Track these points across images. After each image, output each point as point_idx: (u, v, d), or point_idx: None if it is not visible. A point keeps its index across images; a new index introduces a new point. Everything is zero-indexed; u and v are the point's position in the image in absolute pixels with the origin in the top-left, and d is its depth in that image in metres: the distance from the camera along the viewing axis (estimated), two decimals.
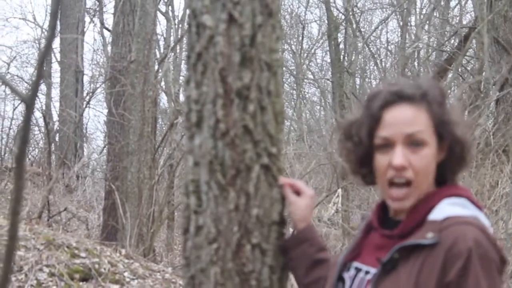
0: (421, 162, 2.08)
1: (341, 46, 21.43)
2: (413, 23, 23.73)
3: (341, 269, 2.24)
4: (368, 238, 2.27)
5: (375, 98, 2.17)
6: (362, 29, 26.26)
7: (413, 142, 2.08)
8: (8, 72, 24.27)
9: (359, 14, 25.18)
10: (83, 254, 7.10)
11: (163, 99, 21.07)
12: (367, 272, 2.15)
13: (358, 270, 2.19)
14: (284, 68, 25.29)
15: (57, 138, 22.22)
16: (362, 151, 2.22)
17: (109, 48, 18.21)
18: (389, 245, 2.09)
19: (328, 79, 25.75)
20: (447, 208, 2.05)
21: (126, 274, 7.14)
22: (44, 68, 23.53)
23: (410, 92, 2.13)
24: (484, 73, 13.19)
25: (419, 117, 2.10)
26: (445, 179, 2.19)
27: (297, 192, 2.49)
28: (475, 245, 1.90)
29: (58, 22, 22.05)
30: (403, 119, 2.10)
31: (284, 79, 26.18)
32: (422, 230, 2.01)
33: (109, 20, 24.98)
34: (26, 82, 23.07)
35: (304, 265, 2.43)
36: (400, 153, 2.08)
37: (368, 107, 2.19)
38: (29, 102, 1.89)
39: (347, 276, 2.21)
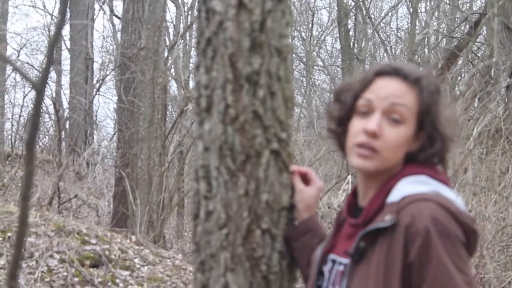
0: (394, 138, 2.07)
1: (351, 33, 21.41)
2: (423, 10, 23.68)
3: (320, 263, 2.24)
4: (342, 229, 2.26)
5: (373, 68, 2.20)
6: (372, 16, 26.20)
7: (393, 116, 2.08)
8: (18, 59, 24.32)
9: (369, 0, 25.10)
10: (93, 241, 7.14)
11: (173, 86, 21.11)
12: (340, 264, 2.15)
13: (334, 262, 2.19)
14: (294, 55, 25.30)
15: (67, 125, 22.31)
16: (343, 111, 2.22)
17: (118, 35, 18.22)
18: (355, 234, 2.09)
19: (338, 66, 25.77)
20: (404, 188, 2.04)
21: (136, 260, 7.18)
22: (54, 55, 23.59)
23: (407, 71, 2.13)
24: (494, 59, 13.14)
25: (407, 94, 2.10)
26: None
27: (306, 181, 2.48)
28: (432, 222, 1.89)
29: (68, 9, 22.08)
30: (391, 89, 2.11)
31: (294, 66, 26.19)
32: (382, 214, 2.01)
33: (118, 7, 24.95)
34: (36, 69, 23.11)
35: (306, 256, 2.40)
36: (377, 120, 2.08)
37: (364, 74, 2.22)
38: (39, 87, 1.90)
39: (326, 269, 2.22)
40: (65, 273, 6.37)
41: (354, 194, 2.27)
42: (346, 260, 2.10)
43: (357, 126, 2.12)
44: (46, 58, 2.20)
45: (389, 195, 2.06)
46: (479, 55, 17.84)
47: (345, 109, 2.21)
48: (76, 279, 6.34)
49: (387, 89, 2.12)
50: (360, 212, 2.15)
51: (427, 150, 2.13)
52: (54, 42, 2.07)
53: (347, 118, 2.20)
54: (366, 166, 2.11)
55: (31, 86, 1.91)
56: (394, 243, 1.93)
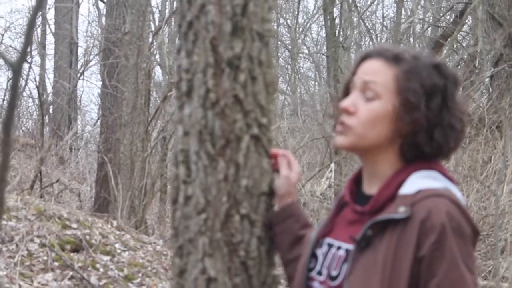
0: (366, 113, 2.10)
1: (337, 21, 21.34)
2: None
3: (314, 246, 2.24)
4: (341, 213, 2.26)
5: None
6: (358, 4, 26.17)
7: (366, 93, 2.12)
8: (2, 43, 24.19)
9: None
10: (74, 225, 7.12)
11: (158, 72, 21.05)
12: (339, 248, 2.15)
13: (330, 246, 2.19)
14: (279, 42, 25.26)
15: (50, 110, 22.21)
16: (341, 97, 2.25)
17: (103, 19, 18.14)
18: (360, 221, 2.10)
19: (323, 54, 25.66)
20: (418, 181, 2.04)
21: (117, 245, 7.16)
22: (39, 39, 23.48)
23: (386, 50, 2.16)
24: (478, 48, 13.17)
25: (383, 72, 2.12)
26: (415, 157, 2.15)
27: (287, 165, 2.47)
28: (448, 218, 1.91)
29: None
30: (368, 68, 2.15)
31: (279, 54, 26.16)
32: (394, 205, 2.01)
33: None
34: (20, 53, 22.94)
35: (288, 241, 2.41)
36: (351, 98, 2.14)
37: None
38: (16, 67, 1.87)
39: (320, 252, 2.22)
40: (45, 258, 6.35)
41: (354, 180, 2.26)
42: (347, 245, 2.10)
43: None
44: (24, 38, 2.17)
45: (402, 187, 2.06)
46: (464, 44, 17.90)
47: (342, 96, 2.25)
48: (56, 264, 6.33)
49: (364, 70, 2.15)
50: (364, 199, 2.16)
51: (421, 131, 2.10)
52: (33, 19, 2.05)
53: None
54: (339, 141, 2.16)
55: (8, 65, 1.88)
56: (406, 236, 1.94)
